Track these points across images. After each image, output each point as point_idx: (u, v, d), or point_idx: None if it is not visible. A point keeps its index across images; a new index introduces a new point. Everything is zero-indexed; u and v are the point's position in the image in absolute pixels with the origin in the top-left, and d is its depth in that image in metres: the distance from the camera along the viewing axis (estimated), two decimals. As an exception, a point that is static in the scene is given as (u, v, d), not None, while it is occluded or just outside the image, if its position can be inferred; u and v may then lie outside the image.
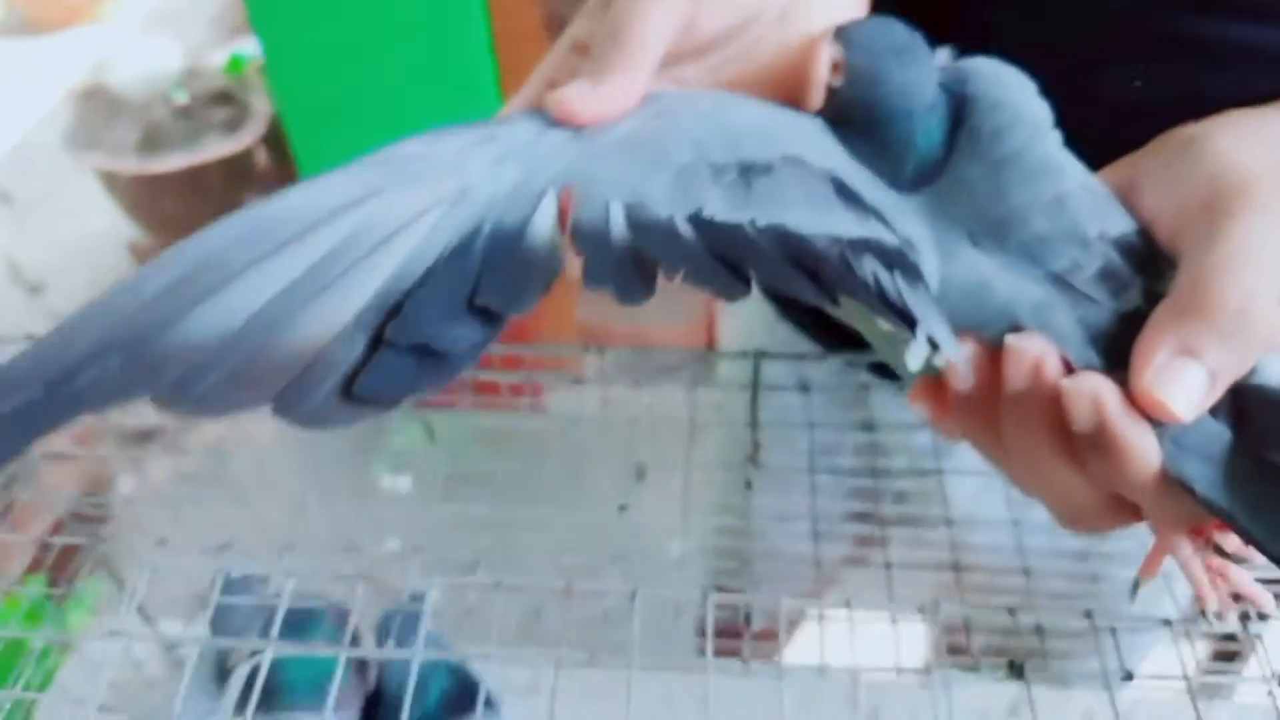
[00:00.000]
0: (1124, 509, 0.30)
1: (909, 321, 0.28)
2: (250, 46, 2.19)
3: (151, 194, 1.83)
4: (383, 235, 0.27)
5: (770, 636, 0.43)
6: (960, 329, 0.30)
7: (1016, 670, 0.38)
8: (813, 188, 0.30)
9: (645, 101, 0.31)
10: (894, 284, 0.28)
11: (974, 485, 0.57)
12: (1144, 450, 0.27)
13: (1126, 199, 0.32)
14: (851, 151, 0.32)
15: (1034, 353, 0.29)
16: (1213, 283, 0.28)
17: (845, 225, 0.29)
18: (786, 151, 0.30)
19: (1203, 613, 0.33)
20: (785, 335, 0.60)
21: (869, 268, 0.28)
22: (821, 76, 0.34)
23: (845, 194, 0.30)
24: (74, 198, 1.96)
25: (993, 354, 0.30)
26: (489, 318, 0.26)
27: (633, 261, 0.27)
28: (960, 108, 0.33)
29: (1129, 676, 0.39)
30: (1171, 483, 0.28)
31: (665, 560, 0.46)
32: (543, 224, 0.28)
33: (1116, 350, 0.29)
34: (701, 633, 0.39)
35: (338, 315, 0.26)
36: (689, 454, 0.50)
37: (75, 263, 1.91)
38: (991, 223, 0.31)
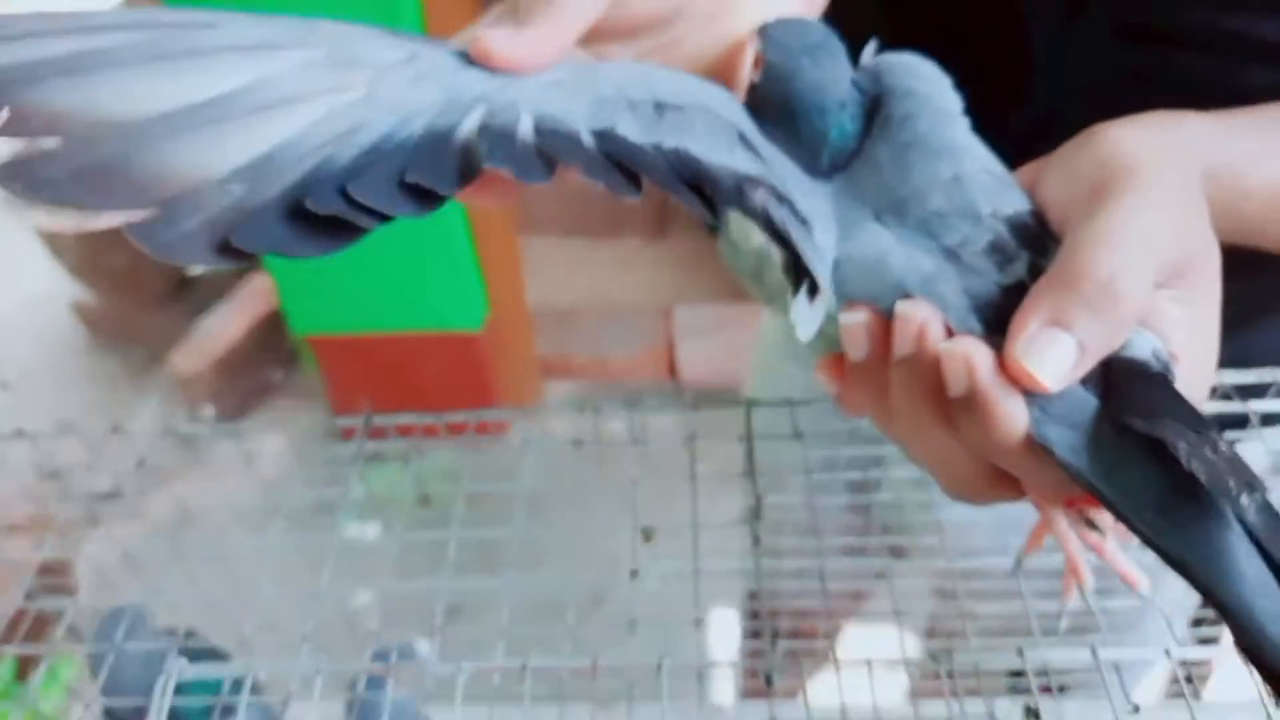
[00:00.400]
0: (1004, 480, 0.31)
1: (789, 250, 0.30)
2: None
3: (95, 252, 1.80)
4: (281, 99, 0.28)
5: (792, 691, 0.44)
6: (857, 300, 0.31)
7: (1033, 715, 0.40)
8: (718, 132, 0.32)
9: (568, 64, 0.32)
10: (781, 214, 0.30)
11: (966, 514, 0.59)
12: (1011, 415, 0.28)
13: (1030, 190, 0.34)
14: (772, 140, 0.34)
15: (919, 318, 0.30)
16: (1084, 256, 0.29)
17: (743, 164, 0.31)
18: (700, 104, 0.32)
19: (1079, 588, 0.33)
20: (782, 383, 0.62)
21: (760, 198, 0.30)
22: (746, 72, 0.35)
23: (747, 144, 0.32)
24: (14, 258, 1.91)
25: (886, 325, 0.31)
26: (420, 198, 0.28)
27: (534, 153, 0.29)
28: (876, 100, 0.35)
29: (1136, 709, 0.41)
30: (1038, 449, 0.29)
31: (681, 623, 0.47)
32: (469, 130, 0.29)
33: (999, 320, 0.30)
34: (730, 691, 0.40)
35: (216, 161, 0.26)
36: (694, 512, 0.51)
37: (19, 326, 1.86)
38: (894, 200, 0.33)
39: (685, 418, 0.56)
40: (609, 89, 0.31)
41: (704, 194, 0.30)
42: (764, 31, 0.35)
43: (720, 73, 0.36)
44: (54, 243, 1.82)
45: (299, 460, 1.61)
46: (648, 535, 0.49)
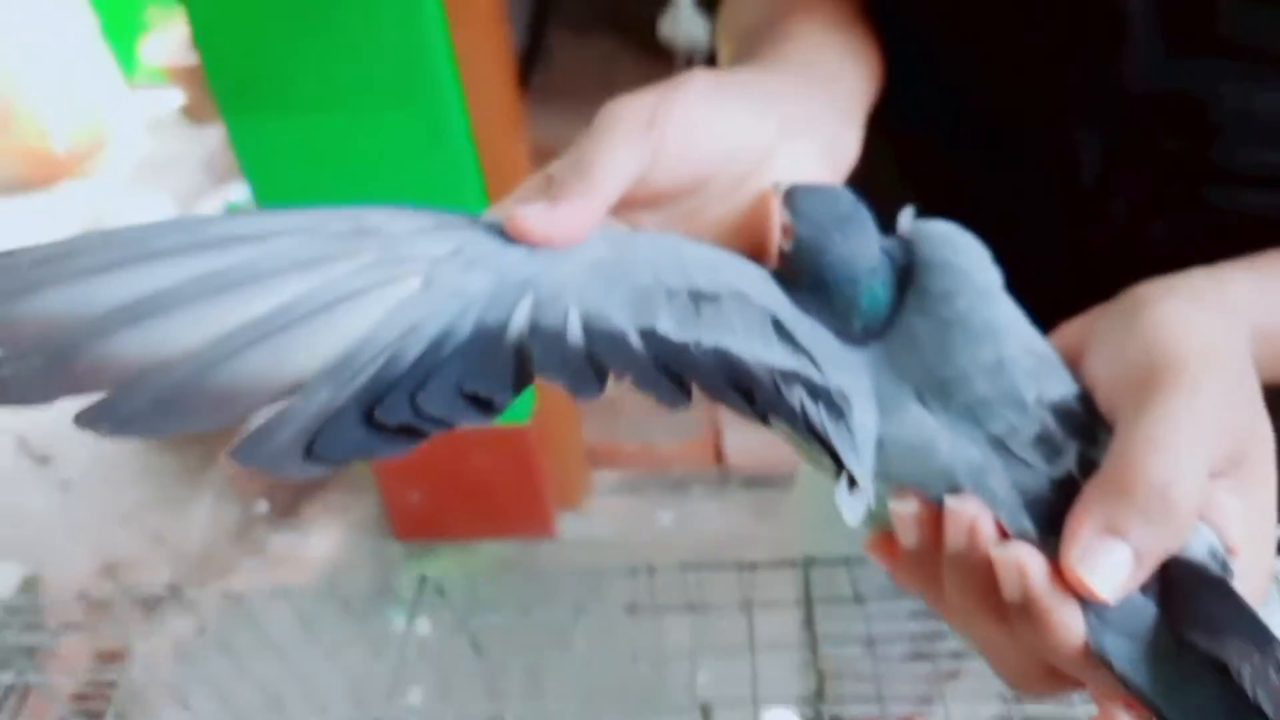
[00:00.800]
0: (1062, 676, 0.30)
1: (829, 450, 0.30)
2: (243, 193, 2.22)
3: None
4: (340, 299, 0.28)
5: None
6: (905, 485, 0.31)
7: None
8: (753, 321, 0.31)
9: (603, 235, 0.32)
10: (818, 414, 0.30)
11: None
12: (1066, 625, 0.28)
13: (1075, 360, 0.33)
14: (803, 306, 0.34)
15: (969, 516, 0.29)
16: (1136, 461, 0.28)
17: (779, 358, 0.31)
18: (733, 287, 0.32)
19: None
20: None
21: (796, 396, 0.30)
22: (775, 239, 0.35)
23: (782, 333, 0.32)
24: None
25: (936, 513, 0.30)
26: (480, 405, 0.28)
27: (585, 361, 0.29)
28: (910, 268, 0.34)
29: None
30: (1095, 656, 0.28)
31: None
32: (519, 325, 0.29)
33: (1049, 517, 0.29)
34: None
35: (291, 367, 0.27)
36: (754, 688, 0.50)
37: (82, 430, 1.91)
38: (937, 382, 0.32)
39: (742, 578, 0.55)
40: (646, 275, 0.31)
41: (750, 395, 0.30)
42: (792, 201, 0.35)
43: (746, 237, 0.37)
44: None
45: (350, 561, 1.61)
46: (706, 714, 0.48)
